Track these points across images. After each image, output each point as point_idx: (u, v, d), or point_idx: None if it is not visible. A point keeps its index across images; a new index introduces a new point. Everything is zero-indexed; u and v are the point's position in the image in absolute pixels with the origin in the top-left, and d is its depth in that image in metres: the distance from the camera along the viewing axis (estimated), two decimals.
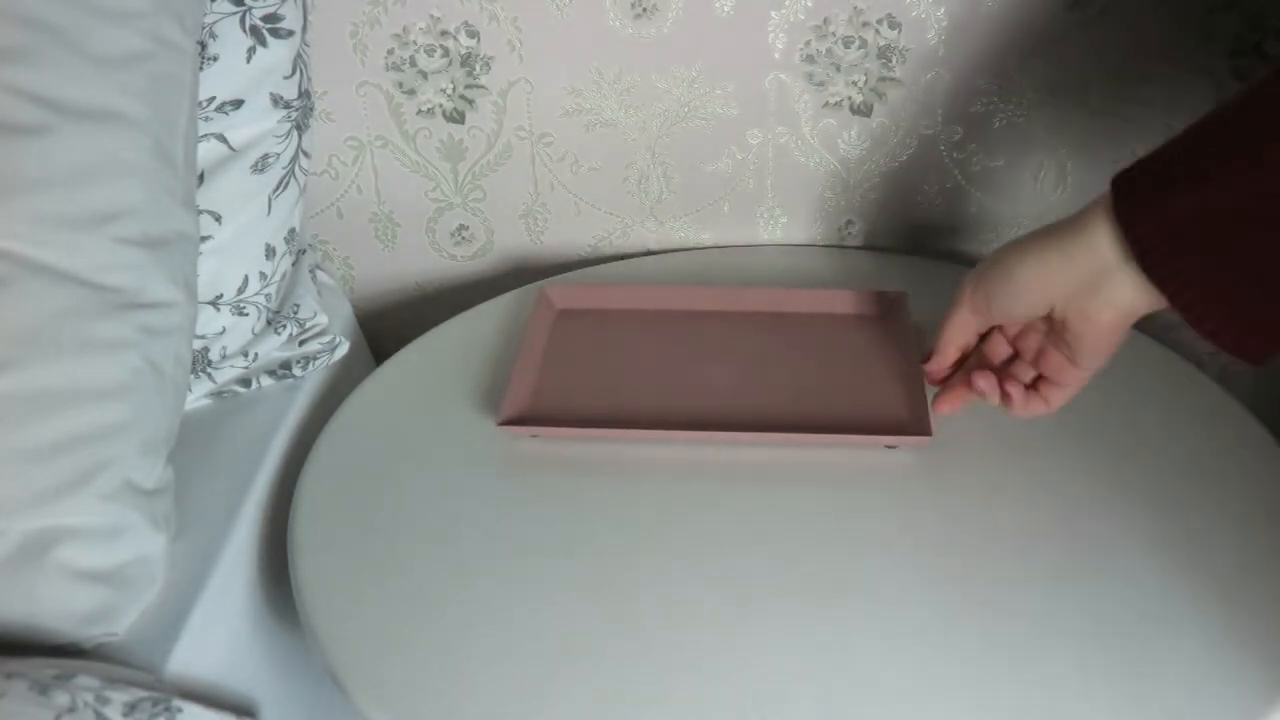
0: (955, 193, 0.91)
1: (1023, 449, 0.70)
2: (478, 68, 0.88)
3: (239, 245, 0.78)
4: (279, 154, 0.79)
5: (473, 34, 0.86)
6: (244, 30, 0.74)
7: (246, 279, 0.78)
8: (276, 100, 0.77)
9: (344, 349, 0.86)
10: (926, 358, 0.66)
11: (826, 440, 0.70)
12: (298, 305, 0.84)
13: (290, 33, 0.77)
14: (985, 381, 0.63)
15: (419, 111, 0.90)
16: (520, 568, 0.64)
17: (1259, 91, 0.48)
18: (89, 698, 0.52)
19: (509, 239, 0.97)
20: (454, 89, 0.89)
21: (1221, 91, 0.84)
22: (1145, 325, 0.96)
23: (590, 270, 0.93)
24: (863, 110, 0.88)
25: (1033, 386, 0.63)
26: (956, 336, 0.64)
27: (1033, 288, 0.57)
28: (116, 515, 0.60)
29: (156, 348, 0.63)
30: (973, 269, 0.61)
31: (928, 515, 0.66)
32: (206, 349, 0.78)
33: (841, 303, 0.82)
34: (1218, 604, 0.60)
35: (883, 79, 0.86)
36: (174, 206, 0.66)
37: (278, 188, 0.79)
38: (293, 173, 0.80)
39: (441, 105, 0.90)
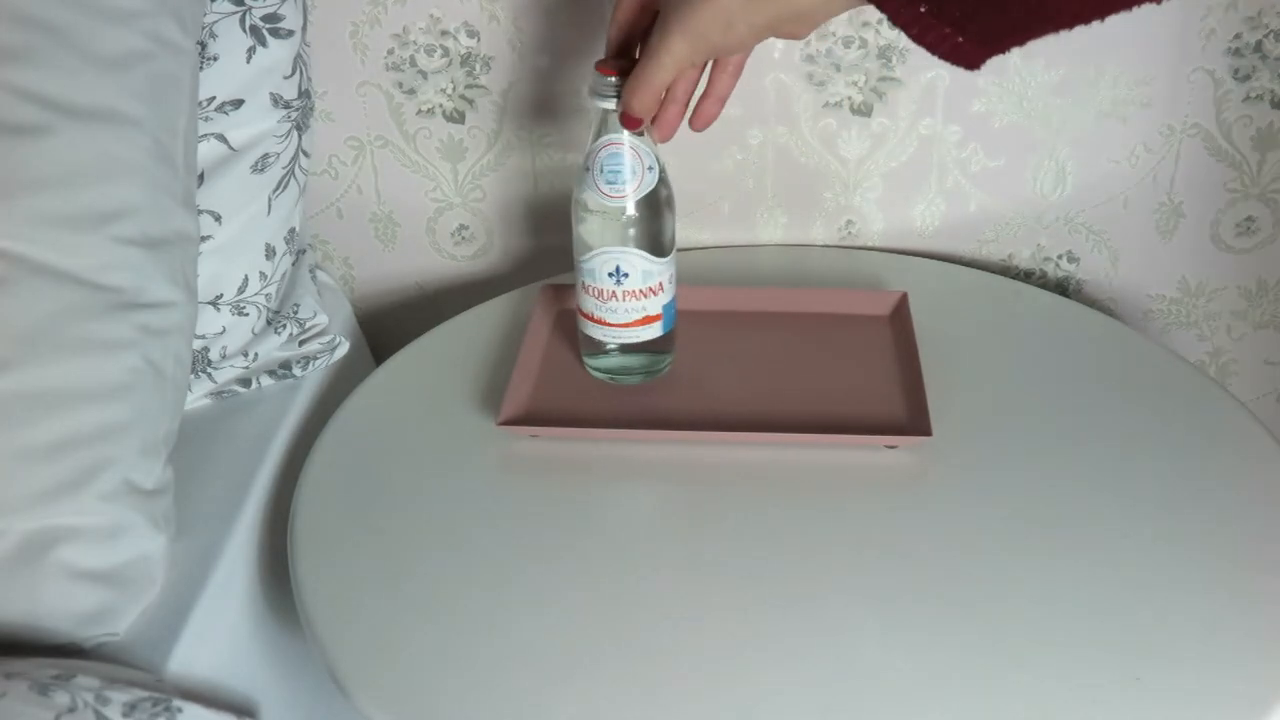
0: (955, 193, 0.91)
1: (1022, 449, 0.70)
2: (478, 68, 0.88)
3: (239, 245, 0.78)
4: (279, 154, 0.79)
5: (473, 34, 0.86)
6: (244, 30, 0.74)
7: (246, 279, 0.78)
8: (276, 100, 0.77)
9: (344, 349, 0.86)
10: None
11: (827, 440, 0.70)
12: (298, 305, 0.84)
13: (290, 33, 0.77)
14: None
15: (419, 111, 0.90)
16: (520, 567, 0.64)
17: None
18: (89, 698, 0.52)
19: (509, 239, 0.97)
20: (454, 89, 0.89)
21: (1221, 91, 0.84)
22: (1145, 325, 0.97)
23: None
24: (863, 110, 0.88)
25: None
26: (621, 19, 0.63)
27: None
28: (116, 515, 0.60)
29: (156, 348, 0.63)
30: None
31: (928, 515, 0.66)
32: (206, 349, 0.77)
33: (841, 302, 0.82)
34: (1218, 605, 0.60)
35: (883, 79, 0.86)
36: (174, 206, 0.66)
37: (278, 188, 0.79)
38: (293, 173, 0.80)
39: (441, 105, 0.90)
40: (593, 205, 0.67)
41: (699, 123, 0.66)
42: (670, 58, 0.58)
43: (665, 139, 0.66)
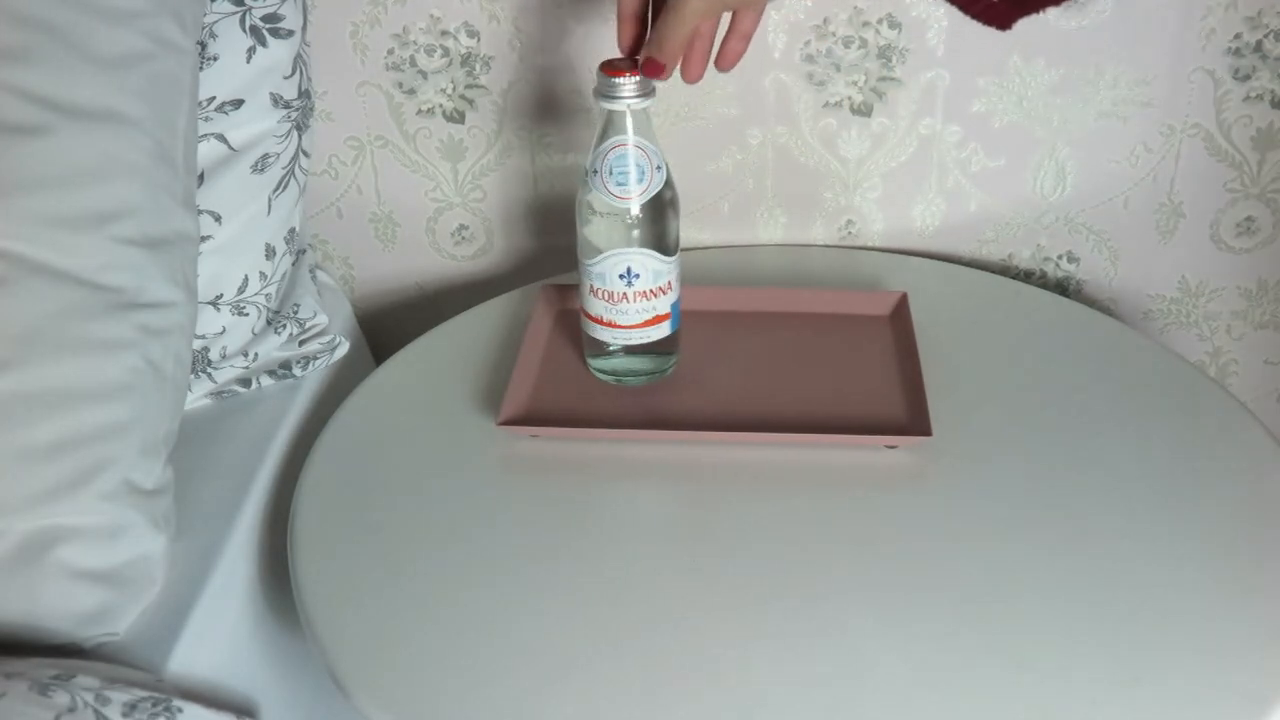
0: (955, 193, 0.91)
1: (1023, 449, 0.70)
2: (478, 68, 0.88)
3: (239, 245, 0.78)
4: (279, 154, 0.79)
5: (473, 34, 0.86)
6: (244, 30, 0.74)
7: (246, 279, 0.78)
8: (276, 100, 0.77)
9: (344, 349, 0.86)
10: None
11: (827, 440, 0.70)
12: (298, 305, 0.84)
13: (290, 33, 0.77)
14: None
15: (419, 111, 0.90)
16: (520, 568, 0.64)
17: None
18: (89, 698, 0.52)
19: (509, 239, 0.97)
20: (454, 89, 0.89)
21: (1221, 91, 0.84)
22: (1145, 325, 0.97)
23: None
24: (863, 110, 0.88)
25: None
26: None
27: None
28: (116, 515, 0.60)
29: (156, 348, 0.63)
30: None
31: (928, 515, 0.66)
32: (206, 349, 0.78)
33: (841, 303, 0.82)
34: (1218, 604, 0.60)
35: (883, 79, 0.86)
36: (174, 206, 0.66)
37: (278, 188, 0.79)
38: (293, 173, 0.80)
39: (441, 105, 0.90)
40: (600, 207, 0.67)
41: (725, 62, 0.66)
42: (690, 9, 0.60)
43: (694, 80, 0.65)
